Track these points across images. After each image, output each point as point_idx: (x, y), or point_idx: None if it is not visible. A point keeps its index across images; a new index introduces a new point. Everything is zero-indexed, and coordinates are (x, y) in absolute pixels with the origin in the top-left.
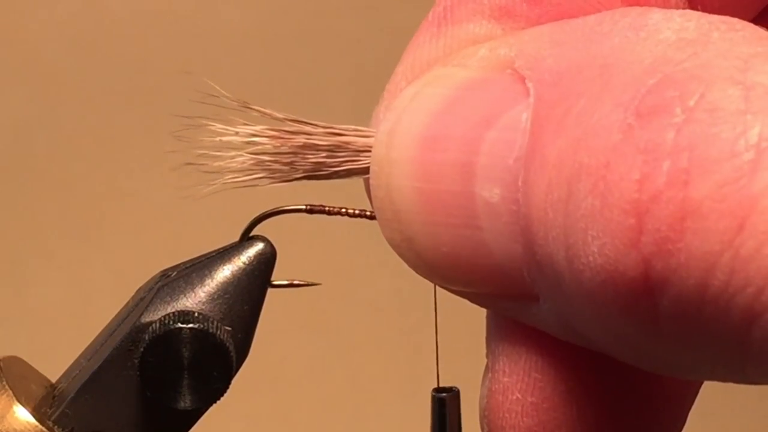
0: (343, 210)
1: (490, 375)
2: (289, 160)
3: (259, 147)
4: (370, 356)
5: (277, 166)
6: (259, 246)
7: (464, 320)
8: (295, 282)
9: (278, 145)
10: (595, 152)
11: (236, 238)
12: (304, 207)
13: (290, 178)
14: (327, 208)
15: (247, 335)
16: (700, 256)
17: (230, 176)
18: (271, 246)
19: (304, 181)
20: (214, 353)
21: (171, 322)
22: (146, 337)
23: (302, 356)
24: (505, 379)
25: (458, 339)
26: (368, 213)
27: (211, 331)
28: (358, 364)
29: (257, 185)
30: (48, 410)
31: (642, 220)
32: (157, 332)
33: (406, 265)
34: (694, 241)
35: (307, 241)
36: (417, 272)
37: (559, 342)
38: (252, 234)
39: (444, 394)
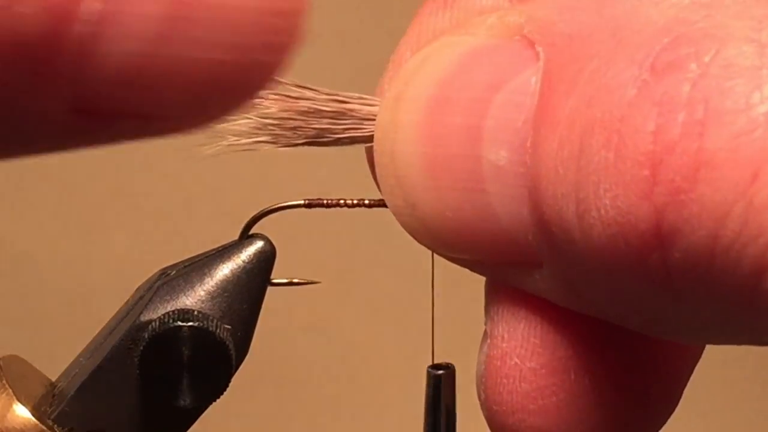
0: (341, 201)
1: (488, 341)
2: (292, 125)
3: (263, 111)
4: (370, 354)
5: (280, 130)
6: (259, 244)
7: (460, 298)
8: (295, 280)
9: (282, 109)
10: (609, 107)
11: (235, 236)
12: (302, 202)
13: (292, 143)
14: (325, 201)
15: (246, 333)
16: (713, 206)
17: (233, 139)
18: (271, 244)
19: (305, 181)
20: (214, 352)
21: (170, 321)
22: (146, 336)
23: (302, 354)
24: (504, 345)
25: (454, 316)
26: (366, 201)
27: (210, 329)
28: (358, 360)
29: (259, 149)
30: (48, 409)
31: (656, 171)
32: (157, 331)
33: (405, 260)
34: (707, 191)
35: (307, 239)
36: (419, 240)
37: (559, 309)
38: (251, 232)
39: (440, 371)
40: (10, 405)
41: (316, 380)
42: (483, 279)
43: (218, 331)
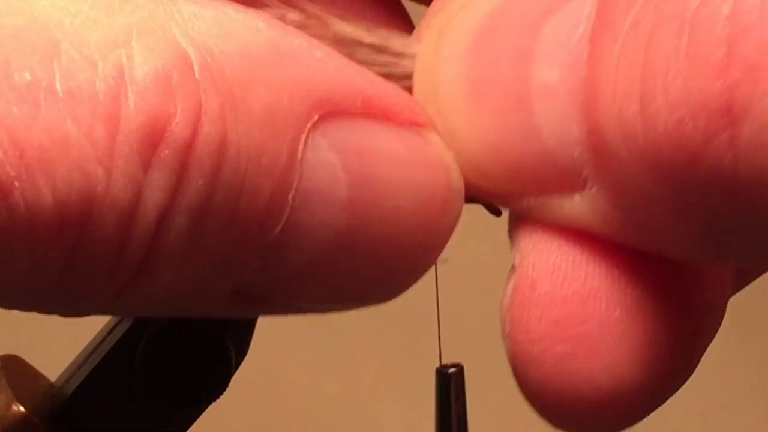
0: None
1: (516, 272)
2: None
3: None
4: (376, 355)
5: None
6: None
7: (466, 297)
8: None
9: (319, 35)
10: (680, 3)
11: None
12: None
13: None
14: None
15: (246, 333)
16: None
17: None
18: None
19: None
20: (213, 351)
21: (170, 321)
22: (145, 336)
23: (302, 354)
24: (534, 273)
25: (460, 316)
26: None
27: (210, 329)
28: (358, 357)
29: None
30: (47, 409)
31: (730, 52)
32: (156, 331)
33: None
34: None
35: None
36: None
37: (593, 240)
38: None
39: (449, 371)
40: (10, 405)
41: (318, 381)
42: (488, 277)
43: (217, 330)
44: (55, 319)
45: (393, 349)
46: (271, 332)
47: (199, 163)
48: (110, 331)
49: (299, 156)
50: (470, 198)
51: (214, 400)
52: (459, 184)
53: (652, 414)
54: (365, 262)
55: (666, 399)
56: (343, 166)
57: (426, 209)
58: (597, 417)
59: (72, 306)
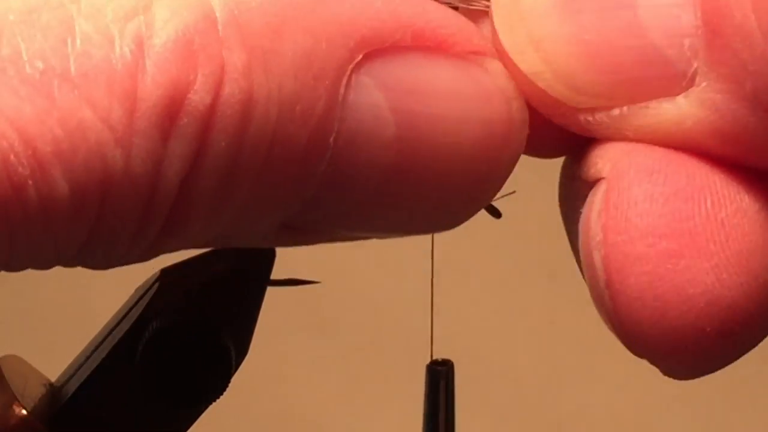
0: None
1: (608, 178)
2: None
3: None
4: (370, 352)
5: None
6: None
7: (459, 296)
8: (294, 279)
9: None
10: None
11: None
12: None
13: None
14: None
15: (246, 333)
16: None
17: None
18: None
19: None
20: (214, 352)
21: (170, 321)
22: (145, 336)
23: (302, 354)
24: (631, 175)
25: (453, 314)
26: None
27: (210, 329)
28: (357, 359)
29: None
30: (47, 409)
31: None
32: (156, 331)
33: (404, 259)
34: None
35: None
36: (538, 87)
37: (691, 152)
38: None
39: (439, 367)
40: (10, 405)
41: (316, 380)
42: (482, 275)
43: (218, 331)
44: (55, 319)
45: (385, 345)
46: (271, 332)
47: (222, 125)
48: (110, 331)
49: (340, 99)
50: None
51: (214, 400)
52: (522, 114)
53: (650, 414)
54: (418, 196)
55: (762, 335)
56: (390, 105)
57: (485, 143)
58: (698, 333)
59: (103, 263)
